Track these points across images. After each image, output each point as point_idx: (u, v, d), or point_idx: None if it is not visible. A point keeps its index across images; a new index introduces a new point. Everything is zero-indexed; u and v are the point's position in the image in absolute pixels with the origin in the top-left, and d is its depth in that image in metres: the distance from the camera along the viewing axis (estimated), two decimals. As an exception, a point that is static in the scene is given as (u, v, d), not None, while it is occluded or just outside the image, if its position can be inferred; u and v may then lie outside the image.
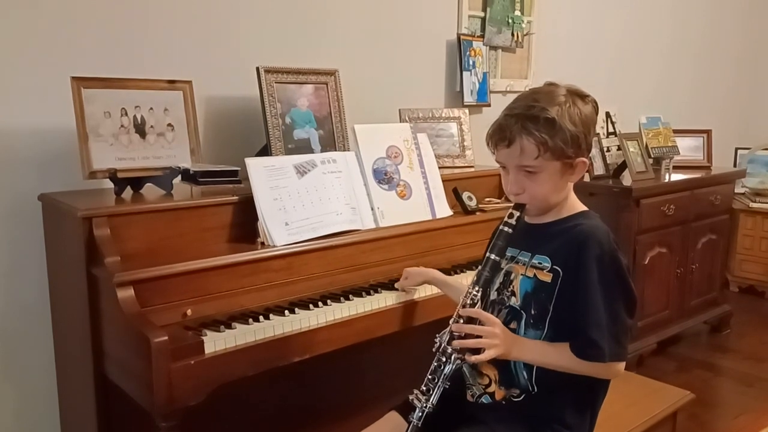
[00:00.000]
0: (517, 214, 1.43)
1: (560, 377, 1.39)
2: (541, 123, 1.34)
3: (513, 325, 1.44)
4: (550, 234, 1.43)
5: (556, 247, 1.40)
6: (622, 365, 1.38)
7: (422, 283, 1.95)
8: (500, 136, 1.39)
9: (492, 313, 1.47)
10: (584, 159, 1.40)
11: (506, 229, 1.43)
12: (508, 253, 1.47)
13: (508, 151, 1.38)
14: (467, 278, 2.08)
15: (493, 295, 1.49)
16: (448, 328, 1.44)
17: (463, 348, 1.41)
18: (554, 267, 1.39)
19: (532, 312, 1.41)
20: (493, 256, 1.43)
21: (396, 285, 1.96)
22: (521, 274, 1.44)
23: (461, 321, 1.43)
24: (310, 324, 1.74)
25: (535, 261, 1.43)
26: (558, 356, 1.37)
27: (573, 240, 1.38)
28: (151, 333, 1.47)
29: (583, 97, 1.41)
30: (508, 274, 1.47)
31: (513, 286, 1.45)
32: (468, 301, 1.43)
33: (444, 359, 1.43)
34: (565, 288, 1.37)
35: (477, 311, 1.42)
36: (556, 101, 1.36)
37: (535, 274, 1.42)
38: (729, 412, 2.92)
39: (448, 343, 1.42)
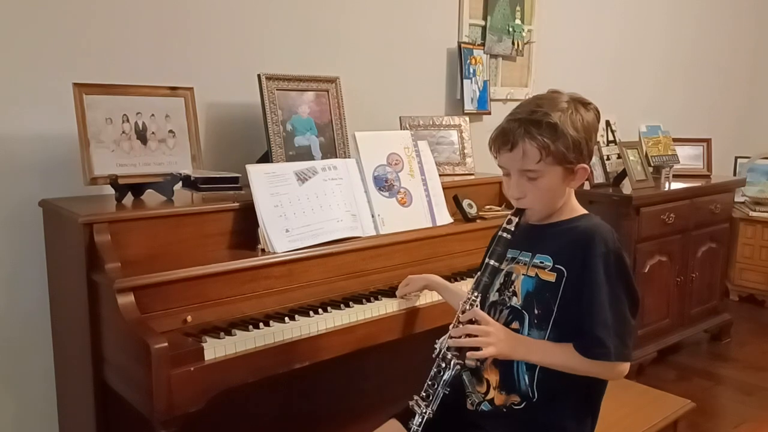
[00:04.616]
0: (515, 220, 1.44)
1: (561, 383, 1.39)
2: (543, 128, 1.35)
3: (515, 326, 1.44)
4: (552, 234, 1.44)
5: (559, 247, 1.41)
6: (626, 365, 1.39)
7: (423, 288, 1.94)
8: (503, 140, 1.40)
9: (493, 313, 1.48)
10: (585, 165, 1.41)
11: (505, 235, 1.44)
12: (509, 255, 1.48)
13: (511, 155, 1.39)
14: (467, 285, 2.08)
15: (494, 296, 1.50)
16: (447, 334, 1.44)
17: (462, 350, 1.41)
18: (557, 266, 1.39)
19: (536, 312, 1.41)
20: (492, 262, 1.44)
21: (396, 293, 1.96)
22: (523, 274, 1.44)
23: (460, 326, 1.43)
24: (310, 331, 1.74)
25: (536, 261, 1.43)
26: (563, 355, 1.37)
27: (577, 239, 1.39)
28: (151, 339, 1.47)
29: (585, 104, 1.43)
30: (509, 274, 1.48)
31: (514, 287, 1.46)
32: (467, 307, 1.43)
33: (443, 365, 1.43)
34: (570, 287, 1.37)
35: (473, 311, 1.42)
36: (559, 107, 1.38)
37: (537, 274, 1.42)
38: (729, 421, 2.91)
39: (448, 348, 1.43)
